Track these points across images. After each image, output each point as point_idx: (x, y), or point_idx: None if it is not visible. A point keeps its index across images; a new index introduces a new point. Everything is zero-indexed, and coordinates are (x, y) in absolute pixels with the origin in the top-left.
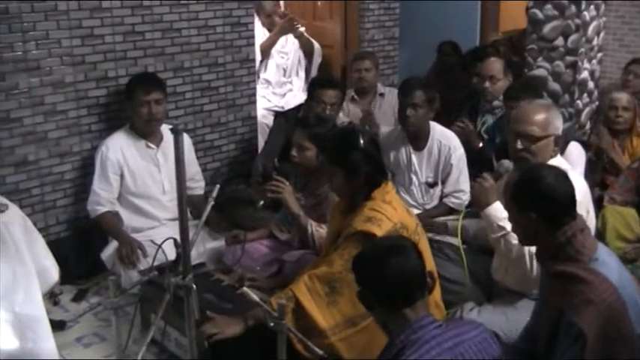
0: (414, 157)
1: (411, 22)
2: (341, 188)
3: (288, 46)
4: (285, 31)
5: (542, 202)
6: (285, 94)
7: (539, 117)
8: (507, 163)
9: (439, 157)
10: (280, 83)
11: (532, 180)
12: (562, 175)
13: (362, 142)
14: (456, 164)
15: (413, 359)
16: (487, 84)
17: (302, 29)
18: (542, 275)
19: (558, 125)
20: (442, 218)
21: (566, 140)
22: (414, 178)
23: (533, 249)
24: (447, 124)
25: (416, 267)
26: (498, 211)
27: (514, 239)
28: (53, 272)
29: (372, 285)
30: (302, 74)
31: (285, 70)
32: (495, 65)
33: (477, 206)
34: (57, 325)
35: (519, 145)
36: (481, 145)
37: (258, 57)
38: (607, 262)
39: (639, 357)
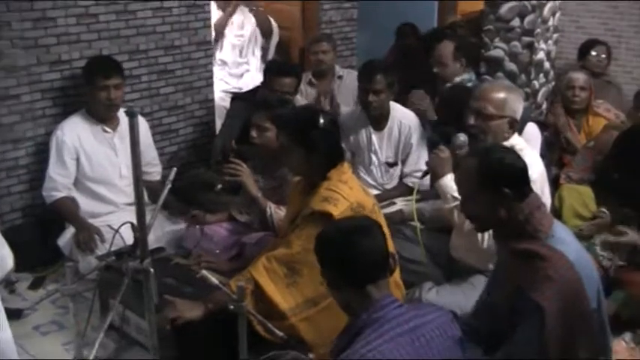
0: (374, 137)
1: (370, 4)
2: (298, 167)
3: (245, 28)
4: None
5: (511, 175)
6: (242, 75)
7: (497, 96)
8: (463, 137)
9: (399, 137)
10: (237, 63)
11: (499, 158)
12: (513, 151)
13: (322, 121)
14: (416, 144)
15: (372, 338)
16: (436, 69)
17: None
18: (500, 254)
19: (516, 108)
20: (399, 200)
21: (523, 120)
22: (373, 157)
23: None
24: (406, 105)
25: (381, 246)
26: (453, 182)
27: None
28: (8, 260)
29: (339, 264)
30: (258, 53)
31: (241, 51)
32: (444, 50)
33: (432, 177)
34: (13, 314)
35: (472, 120)
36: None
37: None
38: (563, 239)
39: (596, 331)
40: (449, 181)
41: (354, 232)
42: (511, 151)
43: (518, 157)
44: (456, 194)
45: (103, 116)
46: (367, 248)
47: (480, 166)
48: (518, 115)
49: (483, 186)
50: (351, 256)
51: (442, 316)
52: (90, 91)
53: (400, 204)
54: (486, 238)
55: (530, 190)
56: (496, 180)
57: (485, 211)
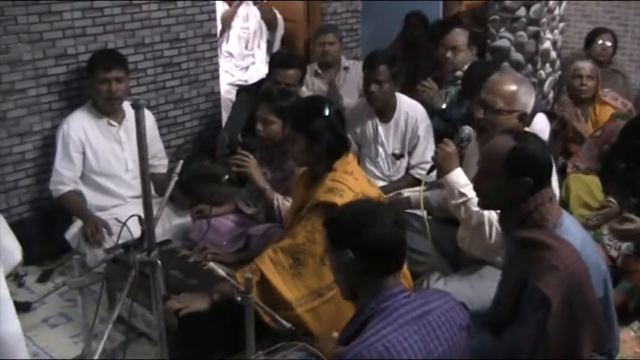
0: (380, 129)
1: None
2: (301, 156)
3: (250, 20)
4: None
5: (538, 167)
6: (248, 67)
7: (507, 90)
8: (468, 130)
9: (406, 128)
10: (243, 55)
11: (534, 149)
12: (545, 144)
13: (327, 111)
14: (423, 136)
15: (381, 327)
16: (449, 54)
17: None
18: (507, 243)
19: (526, 102)
20: (406, 190)
21: (532, 111)
22: (380, 149)
23: (493, 216)
24: (414, 96)
25: (402, 235)
26: (460, 177)
27: (474, 206)
28: (16, 253)
29: (361, 251)
30: (263, 46)
31: (246, 44)
32: (459, 37)
33: (439, 172)
34: (22, 307)
35: (481, 114)
36: (444, 107)
37: (219, 28)
38: (570, 229)
39: (600, 321)
40: (456, 177)
41: (376, 219)
42: (544, 143)
43: (548, 151)
44: (463, 190)
45: (107, 109)
46: (390, 237)
47: (512, 150)
48: (529, 109)
49: (506, 170)
50: (375, 246)
51: (448, 302)
52: (92, 84)
53: (407, 194)
54: (494, 233)
55: (549, 183)
56: (522, 169)
57: (496, 193)
